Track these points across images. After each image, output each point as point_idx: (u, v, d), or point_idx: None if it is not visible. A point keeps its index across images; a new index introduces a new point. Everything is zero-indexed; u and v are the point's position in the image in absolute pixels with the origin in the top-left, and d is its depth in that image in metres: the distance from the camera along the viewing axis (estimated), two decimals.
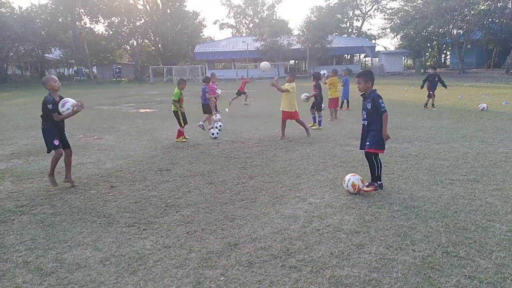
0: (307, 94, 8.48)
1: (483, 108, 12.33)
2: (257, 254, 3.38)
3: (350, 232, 3.74)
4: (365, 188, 4.84)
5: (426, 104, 13.47)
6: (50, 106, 5.23)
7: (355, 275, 2.98)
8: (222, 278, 3.02)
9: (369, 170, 5.01)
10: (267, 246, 3.52)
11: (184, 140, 8.73)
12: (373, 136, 4.82)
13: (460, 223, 3.84)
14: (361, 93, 4.98)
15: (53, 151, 5.41)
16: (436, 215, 4.07)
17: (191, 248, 3.55)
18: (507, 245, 3.38)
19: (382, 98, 4.77)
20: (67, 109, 5.21)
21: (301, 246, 3.48)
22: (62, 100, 5.28)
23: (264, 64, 9.30)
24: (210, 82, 10.88)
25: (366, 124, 4.94)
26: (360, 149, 5.15)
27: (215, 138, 8.88)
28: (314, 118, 10.15)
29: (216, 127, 9.47)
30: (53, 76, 5.56)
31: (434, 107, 13.25)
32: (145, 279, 3.05)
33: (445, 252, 3.28)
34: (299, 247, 3.47)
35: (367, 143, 4.86)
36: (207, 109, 10.23)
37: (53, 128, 5.39)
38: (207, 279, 3.02)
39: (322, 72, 12.91)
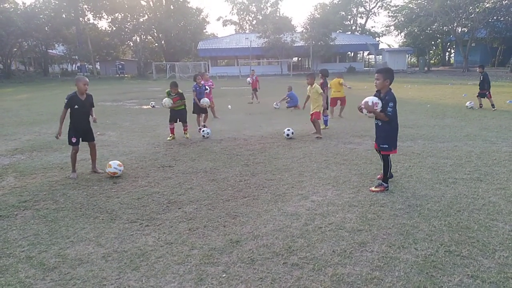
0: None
1: (471, 105, 12.39)
2: (259, 251, 3.38)
3: (353, 230, 3.74)
4: (373, 188, 4.84)
5: (493, 105, 12.05)
6: (65, 100, 5.66)
7: (357, 273, 2.98)
8: (224, 275, 3.02)
9: (383, 170, 4.92)
10: (269, 243, 3.52)
11: (170, 139, 8.52)
12: (388, 138, 4.79)
13: (463, 222, 3.82)
14: (377, 90, 4.87)
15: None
16: (439, 214, 4.06)
17: (193, 244, 3.55)
18: (510, 244, 3.36)
19: (394, 102, 4.67)
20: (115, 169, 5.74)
21: (303, 244, 3.48)
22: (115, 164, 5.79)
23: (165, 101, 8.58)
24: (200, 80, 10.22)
25: (379, 124, 4.86)
26: (375, 146, 5.12)
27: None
28: (325, 121, 9.71)
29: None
30: (85, 79, 5.89)
31: (493, 108, 11.94)
32: (147, 275, 3.06)
33: (447, 251, 3.27)
34: (301, 245, 3.47)
35: (385, 145, 4.80)
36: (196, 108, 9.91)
37: (72, 126, 5.81)
38: (209, 275, 3.03)
39: None
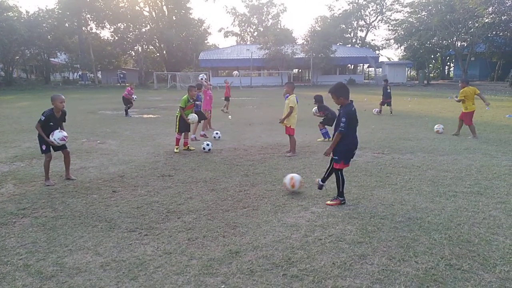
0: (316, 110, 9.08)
1: (377, 111, 15.04)
2: (258, 262, 3.36)
3: (353, 242, 3.72)
4: (329, 202, 4.81)
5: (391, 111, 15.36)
6: (42, 118, 5.68)
7: (357, 286, 2.96)
8: (223, 286, 3.00)
9: (336, 184, 4.85)
10: (269, 254, 3.50)
11: (177, 150, 8.20)
12: (339, 150, 4.69)
13: (464, 236, 3.81)
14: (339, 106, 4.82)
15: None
16: (440, 227, 4.04)
17: (192, 255, 3.53)
18: (511, 259, 3.34)
19: (346, 117, 4.54)
20: (56, 138, 5.75)
21: (303, 256, 3.46)
22: (58, 131, 5.80)
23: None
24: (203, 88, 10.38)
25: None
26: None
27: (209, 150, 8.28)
28: (324, 134, 9.46)
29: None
30: (61, 97, 5.92)
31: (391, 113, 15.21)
32: (145, 285, 3.03)
33: (448, 264, 3.25)
34: (301, 257, 3.44)
35: (336, 157, 4.73)
36: (201, 115, 9.79)
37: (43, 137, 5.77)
38: (208, 286, 3.00)
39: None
